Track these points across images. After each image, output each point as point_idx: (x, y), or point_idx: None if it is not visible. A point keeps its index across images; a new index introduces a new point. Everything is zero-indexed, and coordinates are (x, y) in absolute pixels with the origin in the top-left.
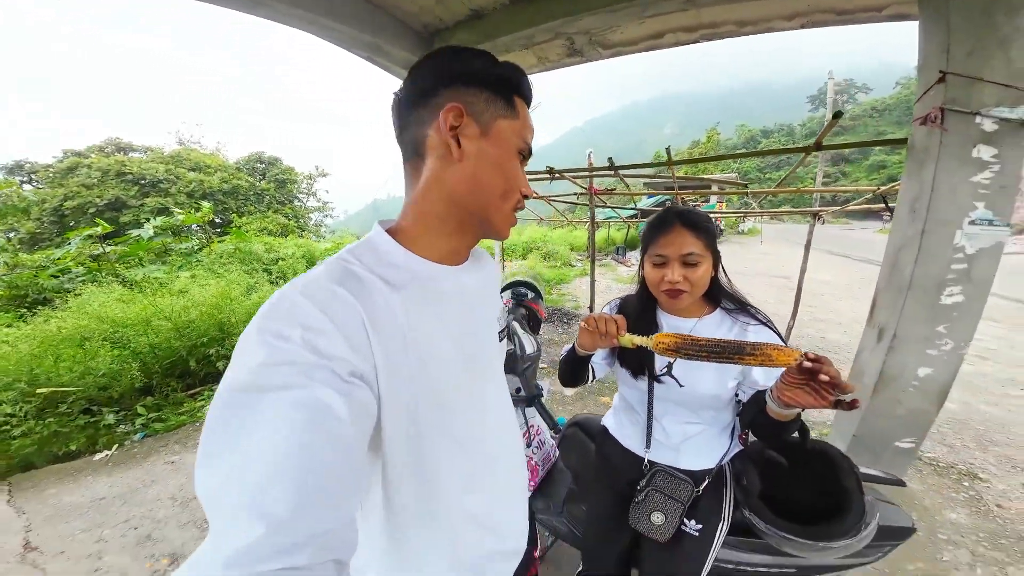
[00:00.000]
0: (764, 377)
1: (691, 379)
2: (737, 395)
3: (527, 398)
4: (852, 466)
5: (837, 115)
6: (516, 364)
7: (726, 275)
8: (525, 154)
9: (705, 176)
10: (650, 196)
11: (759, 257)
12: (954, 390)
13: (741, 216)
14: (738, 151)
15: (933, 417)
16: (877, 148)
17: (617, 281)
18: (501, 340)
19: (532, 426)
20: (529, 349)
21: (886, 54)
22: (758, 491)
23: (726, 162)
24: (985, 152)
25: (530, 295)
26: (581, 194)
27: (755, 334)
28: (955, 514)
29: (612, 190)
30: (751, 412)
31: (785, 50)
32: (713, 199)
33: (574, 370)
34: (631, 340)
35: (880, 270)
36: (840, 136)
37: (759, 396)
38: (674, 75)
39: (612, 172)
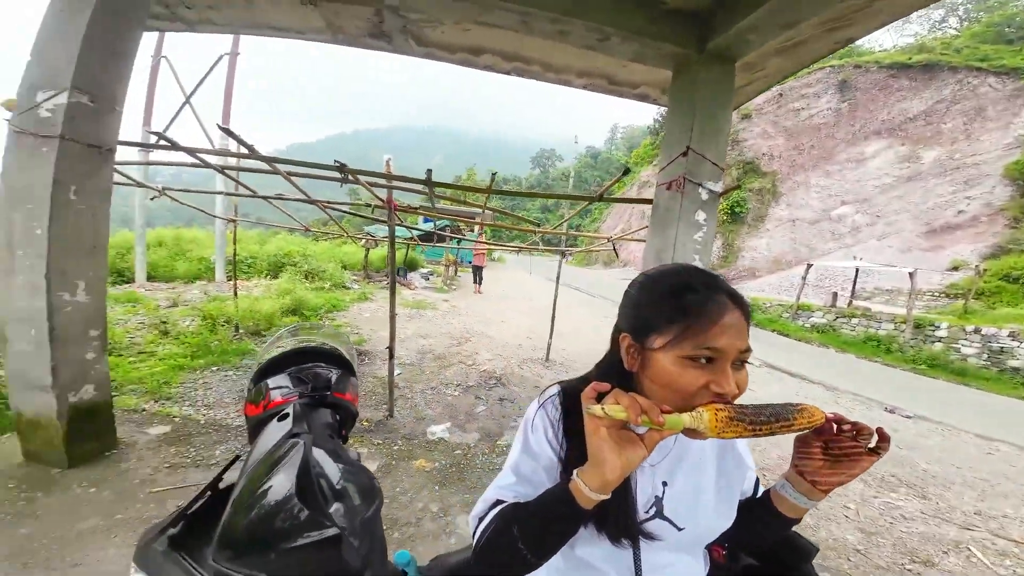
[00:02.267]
0: (751, 481)
1: (690, 515)
2: None
3: None
4: (811, 547)
5: (626, 171)
6: (351, 554)
7: None
8: None
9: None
10: (427, 219)
11: (509, 281)
12: None
13: (500, 248)
14: (537, 191)
15: None
16: (564, 202)
17: (403, 306)
18: None
19: None
20: (361, 497)
21: (569, 133)
22: None
23: (480, 198)
24: (700, 216)
25: (333, 376)
26: (377, 206)
27: (737, 441)
28: None
29: (413, 208)
30: (744, 524)
31: (523, 107)
32: (476, 229)
33: (544, 550)
34: (679, 421)
35: None
36: (549, 188)
37: (751, 502)
38: (447, 110)
39: (425, 186)
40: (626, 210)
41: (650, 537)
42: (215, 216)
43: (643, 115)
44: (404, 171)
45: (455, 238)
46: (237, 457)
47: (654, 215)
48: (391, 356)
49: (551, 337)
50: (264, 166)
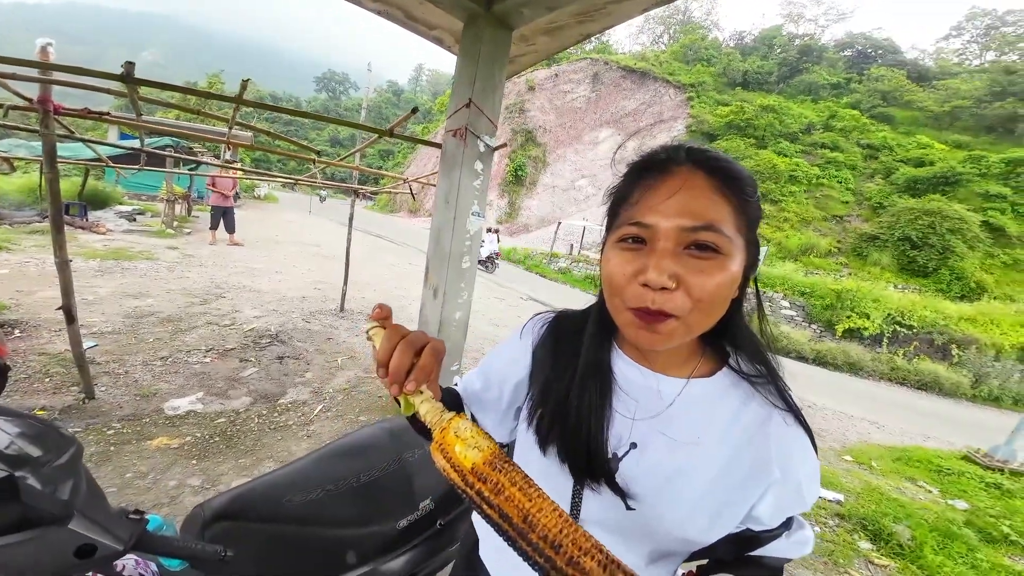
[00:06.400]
0: (773, 512)
1: (656, 497)
2: None
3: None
4: None
5: (414, 110)
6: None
7: (758, 300)
8: None
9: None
10: (126, 136)
11: (285, 225)
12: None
13: (263, 178)
14: (323, 115)
15: (463, 344)
16: (360, 136)
17: (89, 257)
18: None
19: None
20: (41, 447)
21: (363, 62)
22: None
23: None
24: (478, 166)
25: None
26: (16, 107)
27: (779, 434)
28: None
29: (99, 113)
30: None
31: (310, 21)
32: (228, 153)
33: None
34: (419, 404)
35: (428, 245)
36: (342, 115)
37: (744, 539)
38: None
39: (122, 84)
40: (431, 158)
41: (591, 484)
42: None
43: (448, 62)
44: (84, 62)
45: (187, 162)
46: None
47: (443, 161)
48: (70, 320)
49: (346, 285)
50: None
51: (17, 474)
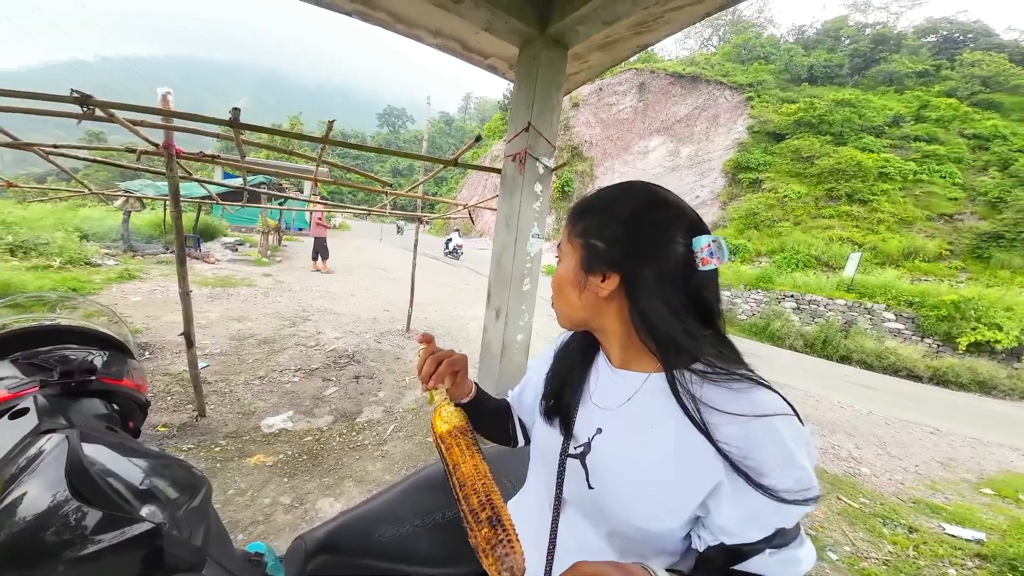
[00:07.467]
0: (740, 522)
1: (613, 479)
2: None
3: None
4: None
5: (478, 138)
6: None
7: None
8: None
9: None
10: (228, 175)
11: (356, 251)
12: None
13: (341, 210)
14: (401, 151)
15: (525, 365)
16: (418, 166)
17: (201, 284)
18: None
19: None
20: (177, 488)
21: (420, 94)
22: None
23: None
24: (538, 188)
25: (96, 358)
26: (147, 152)
27: (741, 439)
28: None
29: (205, 155)
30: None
31: (371, 60)
32: (307, 189)
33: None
34: (435, 396)
35: (490, 268)
36: (403, 147)
37: (715, 555)
38: (261, 45)
39: (229, 128)
40: (480, 181)
41: (568, 457)
42: None
43: (495, 88)
44: (185, 110)
45: (277, 197)
46: None
47: (503, 185)
48: (189, 344)
49: (411, 307)
50: None
51: (159, 522)
